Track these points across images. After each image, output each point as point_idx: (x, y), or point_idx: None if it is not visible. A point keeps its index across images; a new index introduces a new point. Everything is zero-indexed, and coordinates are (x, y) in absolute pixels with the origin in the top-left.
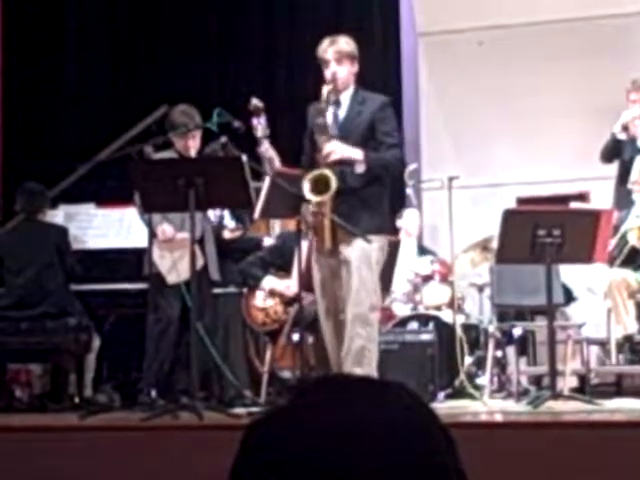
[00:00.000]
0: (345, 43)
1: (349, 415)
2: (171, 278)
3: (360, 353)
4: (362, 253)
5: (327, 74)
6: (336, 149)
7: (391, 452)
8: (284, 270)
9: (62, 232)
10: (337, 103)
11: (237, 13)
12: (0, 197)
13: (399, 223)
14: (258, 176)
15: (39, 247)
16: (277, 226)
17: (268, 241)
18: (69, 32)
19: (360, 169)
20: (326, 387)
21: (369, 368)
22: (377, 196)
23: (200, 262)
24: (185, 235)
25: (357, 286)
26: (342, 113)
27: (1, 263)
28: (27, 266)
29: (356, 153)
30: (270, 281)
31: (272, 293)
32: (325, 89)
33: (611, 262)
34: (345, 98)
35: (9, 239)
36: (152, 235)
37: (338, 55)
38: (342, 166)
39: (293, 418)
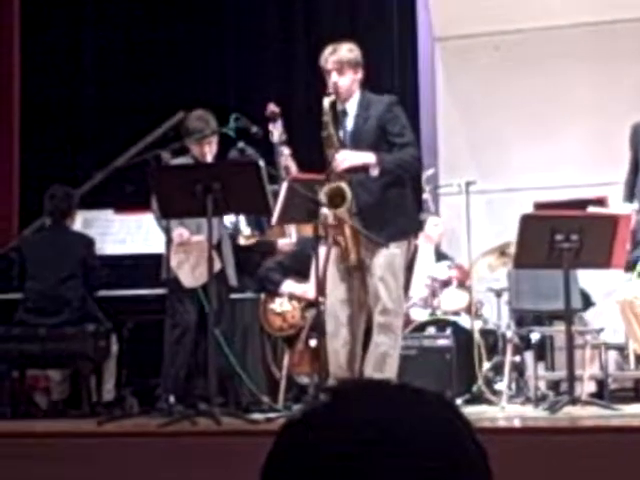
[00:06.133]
0: (347, 51)
1: (386, 422)
2: (188, 282)
3: (382, 359)
4: (386, 261)
5: (329, 84)
6: (346, 157)
7: (423, 463)
8: (303, 275)
9: (88, 244)
10: (344, 113)
11: (254, 19)
12: (18, 203)
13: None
14: (274, 180)
15: (62, 257)
16: (293, 229)
17: (283, 242)
18: (87, 37)
19: (375, 172)
20: (364, 392)
21: (389, 374)
22: (399, 199)
23: (217, 266)
24: (201, 238)
25: (383, 296)
26: (350, 122)
27: (23, 264)
28: (48, 275)
29: (368, 157)
30: (289, 285)
31: (291, 297)
32: (326, 101)
33: (630, 268)
34: (351, 106)
35: (34, 243)
36: (169, 240)
37: (339, 65)
38: (356, 173)
39: (328, 421)
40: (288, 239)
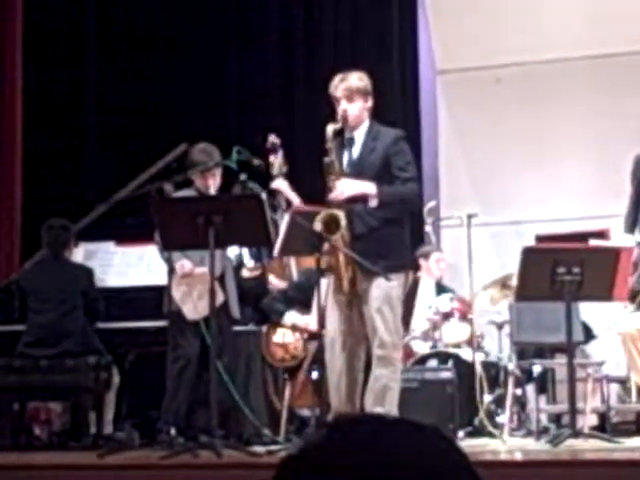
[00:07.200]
0: (357, 79)
1: (382, 456)
2: (191, 315)
3: (382, 392)
4: (383, 292)
5: (338, 112)
6: (345, 188)
7: None
8: (306, 306)
9: (88, 275)
10: (351, 140)
11: (256, 52)
12: (20, 236)
13: (423, 263)
14: (274, 208)
15: (64, 289)
16: (292, 262)
17: (276, 280)
18: (88, 72)
19: (373, 203)
20: (361, 426)
21: (390, 407)
22: (397, 234)
23: (220, 299)
24: (204, 270)
25: (380, 328)
26: (356, 150)
27: (25, 298)
28: (50, 307)
29: (368, 187)
30: (292, 316)
31: (294, 328)
32: (330, 128)
33: (632, 298)
34: (359, 135)
35: (34, 276)
36: (172, 272)
37: (348, 92)
38: (355, 203)
39: (326, 455)
40: (279, 281)
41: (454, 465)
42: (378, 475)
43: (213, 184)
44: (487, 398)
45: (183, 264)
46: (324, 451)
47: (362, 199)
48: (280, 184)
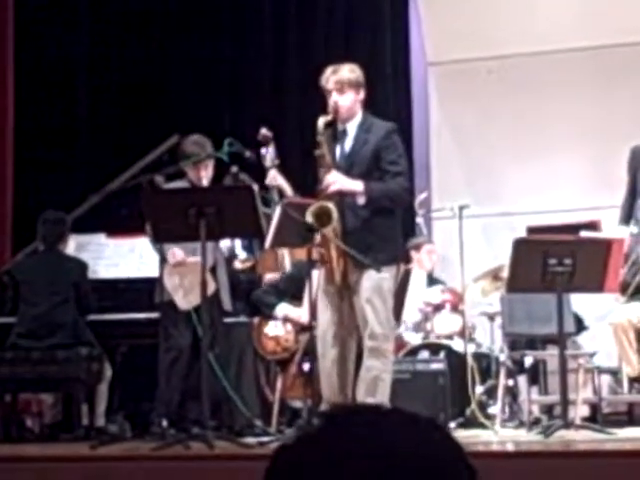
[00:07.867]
0: (348, 71)
1: (378, 446)
2: (183, 304)
3: (374, 383)
4: (374, 283)
5: (330, 104)
6: (336, 180)
7: None
8: (298, 299)
9: (82, 268)
10: (343, 133)
11: (248, 44)
12: (11, 227)
13: (415, 255)
14: (267, 203)
15: (57, 281)
16: (285, 253)
17: (270, 276)
18: (80, 62)
19: (361, 201)
20: (357, 416)
21: (382, 398)
22: (388, 226)
23: (212, 288)
24: (197, 259)
25: (371, 319)
26: (348, 143)
27: (17, 289)
28: (42, 299)
29: (356, 185)
30: (284, 308)
31: (286, 321)
32: (321, 120)
33: (623, 290)
34: (352, 127)
35: (28, 267)
36: (163, 262)
37: (339, 84)
38: (344, 197)
39: (322, 445)
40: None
41: (450, 455)
42: (374, 465)
43: (205, 176)
44: (479, 389)
45: (174, 252)
46: (320, 441)
47: (351, 194)
48: (274, 176)
